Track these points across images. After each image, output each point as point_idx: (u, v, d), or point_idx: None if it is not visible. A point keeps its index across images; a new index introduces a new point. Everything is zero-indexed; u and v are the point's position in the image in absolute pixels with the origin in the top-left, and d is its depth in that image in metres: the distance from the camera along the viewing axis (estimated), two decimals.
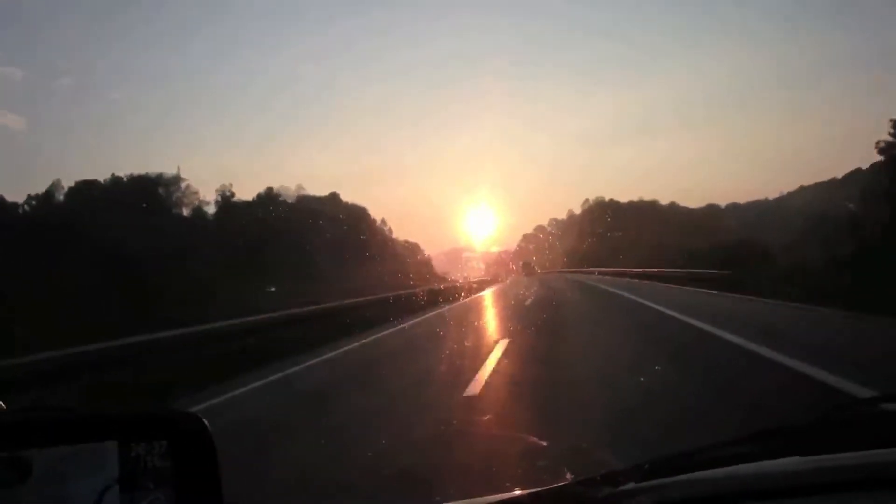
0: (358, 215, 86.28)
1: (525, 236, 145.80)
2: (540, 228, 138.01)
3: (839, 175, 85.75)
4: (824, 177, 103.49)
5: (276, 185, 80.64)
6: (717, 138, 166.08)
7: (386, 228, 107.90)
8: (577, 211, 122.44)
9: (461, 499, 1.11)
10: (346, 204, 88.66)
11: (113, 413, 0.86)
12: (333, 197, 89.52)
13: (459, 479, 3.24)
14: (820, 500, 0.91)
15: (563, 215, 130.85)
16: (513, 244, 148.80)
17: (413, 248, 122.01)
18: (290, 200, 79.15)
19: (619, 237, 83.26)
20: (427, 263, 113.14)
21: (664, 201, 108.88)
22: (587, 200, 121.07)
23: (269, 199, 72.56)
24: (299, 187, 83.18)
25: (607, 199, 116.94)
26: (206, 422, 0.82)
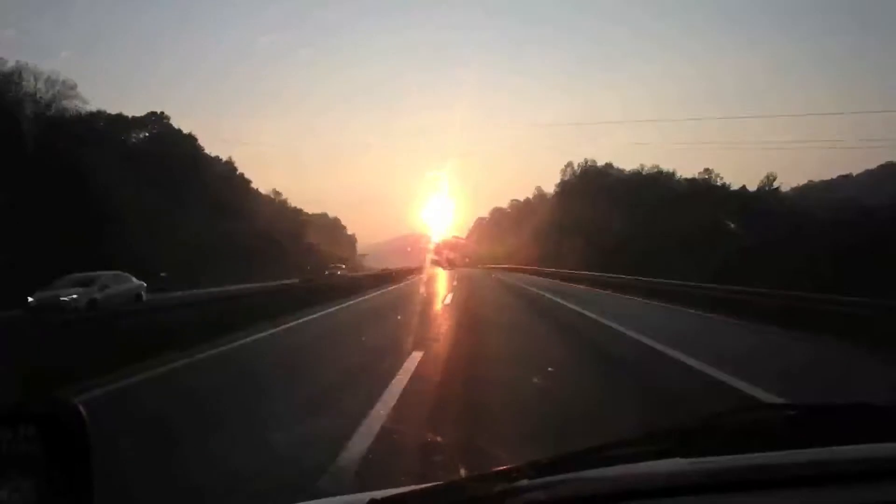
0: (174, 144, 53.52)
1: (479, 221, 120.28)
2: (498, 212, 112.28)
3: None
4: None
5: None
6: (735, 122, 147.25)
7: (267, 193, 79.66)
8: (551, 188, 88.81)
9: (351, 493, 1.11)
10: (176, 132, 57.00)
11: None
12: (156, 118, 56.09)
13: (353, 473, 3.19)
14: (699, 499, 0.98)
15: (529, 194, 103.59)
16: (468, 230, 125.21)
17: (324, 228, 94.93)
18: None
19: (627, 222, 54.26)
20: (334, 247, 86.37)
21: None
22: (569, 165, 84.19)
23: None
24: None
25: (600, 163, 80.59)
26: (81, 409, 0.80)
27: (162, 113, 59.30)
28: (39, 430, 0.76)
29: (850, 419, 1.26)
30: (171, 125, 59.19)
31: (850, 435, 1.10)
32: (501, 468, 1.03)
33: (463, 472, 3.08)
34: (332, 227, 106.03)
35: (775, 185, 64.50)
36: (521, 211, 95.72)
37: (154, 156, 49.39)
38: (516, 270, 51.24)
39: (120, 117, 52.69)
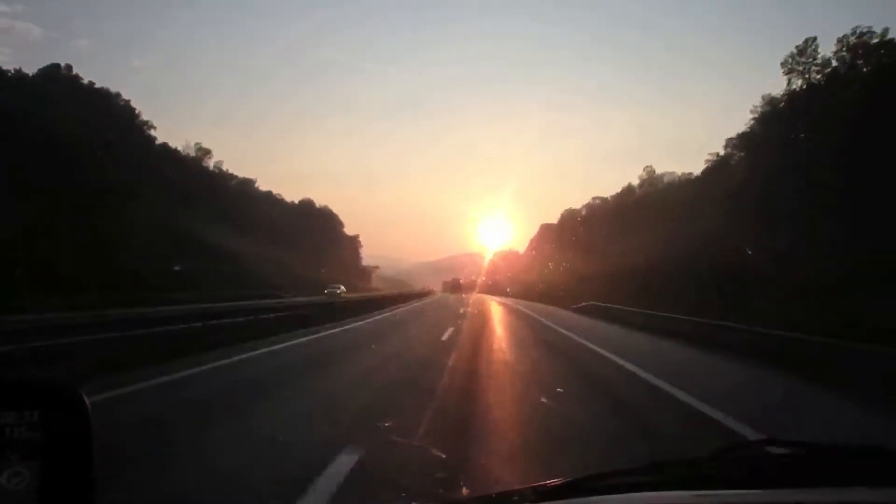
0: None
1: (544, 230, 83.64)
2: (570, 214, 75.52)
3: None
4: None
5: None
6: None
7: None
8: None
9: None
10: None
11: None
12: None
13: (357, 487, 3.20)
14: None
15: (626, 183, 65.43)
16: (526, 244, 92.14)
17: (297, 220, 61.39)
18: None
19: None
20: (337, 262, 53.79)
21: None
22: (809, 43, 40.81)
23: None
24: None
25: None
26: (84, 396, 0.79)
27: None
28: (42, 415, 0.75)
29: (863, 460, 1.22)
30: None
31: (861, 476, 1.07)
32: (504, 490, 1.04)
33: (465, 490, 3.03)
34: (315, 219, 71.68)
35: None
36: (614, 210, 58.79)
37: None
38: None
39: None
